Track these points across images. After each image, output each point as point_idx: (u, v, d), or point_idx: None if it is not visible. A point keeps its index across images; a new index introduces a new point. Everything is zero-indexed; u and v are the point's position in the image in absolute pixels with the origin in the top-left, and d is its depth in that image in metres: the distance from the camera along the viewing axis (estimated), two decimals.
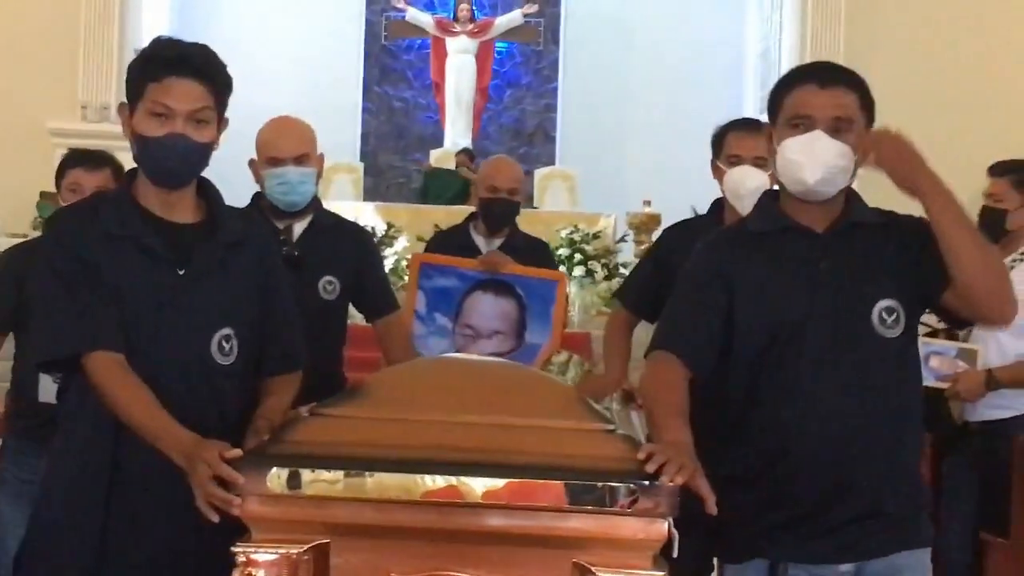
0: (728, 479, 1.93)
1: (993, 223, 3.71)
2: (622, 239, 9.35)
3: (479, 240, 3.88)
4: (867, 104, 2.17)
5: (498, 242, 3.87)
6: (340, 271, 3.12)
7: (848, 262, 2.15)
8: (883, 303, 2.13)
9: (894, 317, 2.13)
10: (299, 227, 3.11)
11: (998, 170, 3.82)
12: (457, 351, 3.53)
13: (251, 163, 3.12)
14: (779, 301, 2.14)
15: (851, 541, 2.11)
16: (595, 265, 8.62)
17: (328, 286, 3.10)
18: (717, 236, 2.35)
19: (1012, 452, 3.49)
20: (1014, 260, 3.70)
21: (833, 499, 2.10)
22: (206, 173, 2.23)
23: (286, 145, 3.05)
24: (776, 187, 2.32)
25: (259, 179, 3.10)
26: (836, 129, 2.12)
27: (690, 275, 2.26)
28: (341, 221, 3.33)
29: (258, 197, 3.14)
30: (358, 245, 3.26)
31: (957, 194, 2.05)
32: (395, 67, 11.80)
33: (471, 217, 3.99)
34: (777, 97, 2.21)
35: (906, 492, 2.15)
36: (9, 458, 3.30)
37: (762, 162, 3.05)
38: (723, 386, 2.17)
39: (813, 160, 2.10)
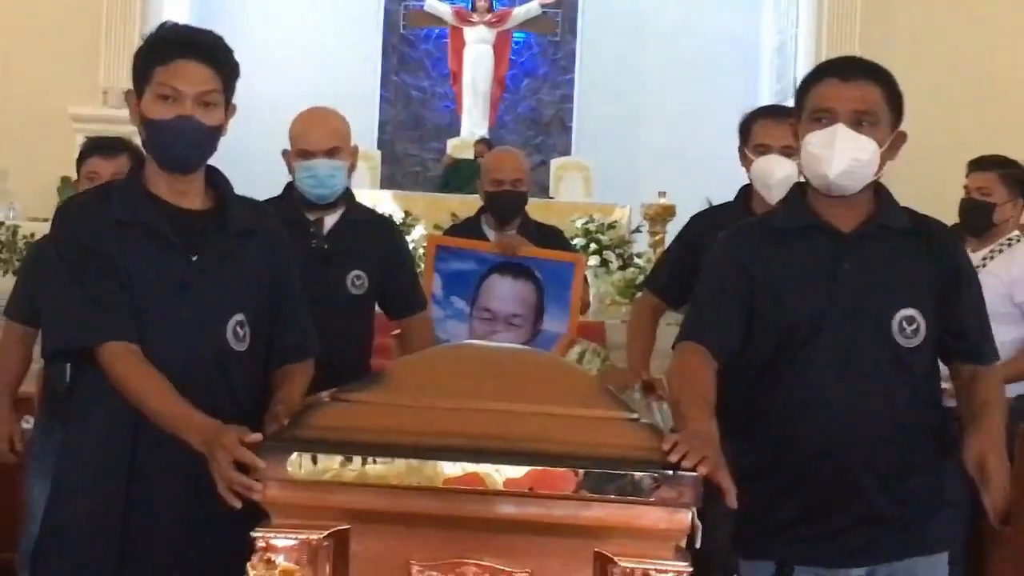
0: (737, 471, 1.92)
1: (980, 216, 3.84)
2: (636, 230, 9.34)
3: (490, 233, 3.86)
4: (893, 99, 2.15)
5: (511, 233, 3.86)
6: (369, 266, 3.10)
7: (872, 266, 2.13)
8: (904, 312, 2.11)
9: (914, 327, 2.11)
10: (330, 220, 3.10)
11: (983, 165, 3.93)
12: (474, 335, 3.52)
13: (284, 153, 3.11)
14: (797, 299, 2.13)
15: (860, 545, 2.10)
16: (610, 255, 8.61)
17: (357, 280, 3.08)
18: (740, 228, 2.33)
19: (1011, 442, 3.47)
20: (992, 251, 3.80)
21: (838, 501, 2.09)
22: (222, 163, 2.22)
23: (317, 138, 3.03)
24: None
25: (291, 169, 3.09)
26: (858, 122, 2.10)
27: (713, 267, 2.25)
28: (373, 216, 3.32)
29: (291, 187, 3.13)
30: (389, 241, 3.24)
31: None
32: (413, 56, 11.80)
33: (483, 210, 3.96)
34: (802, 92, 2.19)
35: (917, 497, 2.13)
36: (41, 435, 3.32)
37: (790, 151, 3.02)
38: (736, 378, 2.16)
39: (833, 153, 2.08)
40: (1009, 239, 3.86)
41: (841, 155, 2.08)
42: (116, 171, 3.18)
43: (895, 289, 2.13)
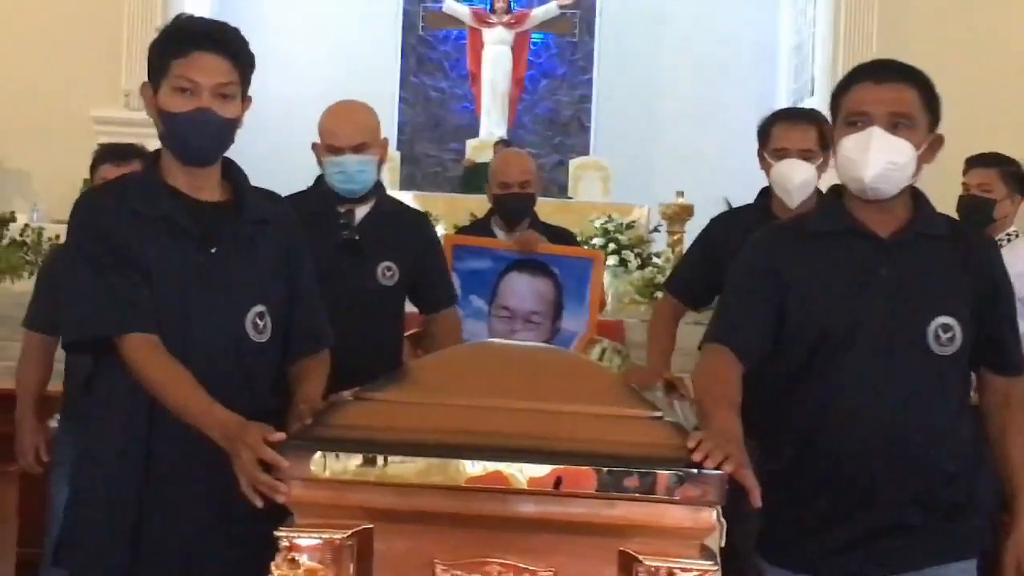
0: (765, 474, 1.90)
1: (981, 212, 3.92)
2: (655, 229, 9.34)
3: (500, 235, 3.84)
4: (930, 101, 2.12)
5: (528, 231, 3.84)
6: (400, 257, 3.09)
7: (910, 272, 2.11)
8: (940, 320, 2.09)
9: (949, 335, 2.09)
10: (360, 212, 3.10)
11: (983, 161, 4.02)
12: (493, 333, 3.52)
13: (314, 146, 3.11)
14: (832, 304, 2.11)
15: (889, 552, 2.08)
16: (628, 255, 8.61)
17: (387, 271, 3.08)
18: (773, 231, 2.31)
19: None
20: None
21: (868, 508, 2.07)
22: (240, 163, 2.23)
23: (345, 134, 3.03)
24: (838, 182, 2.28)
25: (321, 163, 3.10)
26: (894, 125, 2.07)
27: (744, 269, 2.22)
28: (405, 208, 3.31)
29: (321, 179, 3.13)
30: (421, 233, 3.23)
31: None
32: (432, 57, 11.82)
33: (492, 212, 3.95)
34: (836, 96, 2.16)
35: (948, 504, 2.11)
36: (61, 436, 3.34)
37: (809, 154, 3.01)
38: (767, 381, 2.15)
39: (868, 156, 2.05)
40: (1008, 234, 3.92)
41: (876, 158, 2.05)
42: None
43: (932, 296, 2.11)
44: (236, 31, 2.15)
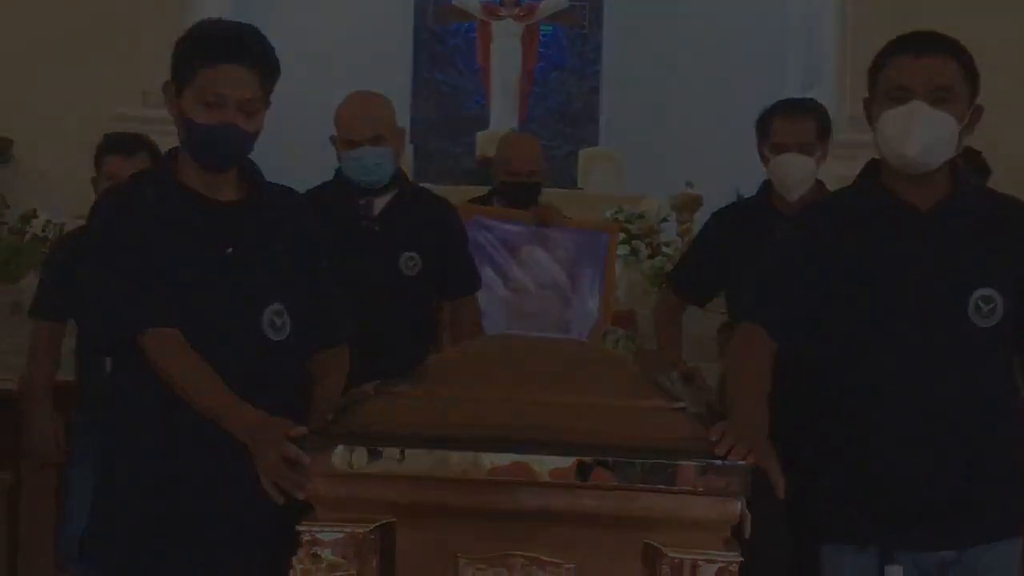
0: (812, 458, 1.88)
1: None
2: (664, 219, 9.32)
3: None
4: (970, 73, 2.09)
5: (544, 203, 3.84)
6: (422, 247, 3.08)
7: (950, 245, 2.09)
8: (981, 291, 2.07)
9: (991, 307, 2.07)
10: (380, 202, 3.09)
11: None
12: (507, 306, 3.51)
13: (332, 139, 3.11)
14: (872, 280, 2.09)
15: (948, 528, 2.07)
16: (639, 244, 8.60)
17: (410, 262, 3.07)
18: (811, 209, 2.30)
19: None
20: None
21: (918, 484, 2.06)
22: (257, 155, 2.21)
23: (360, 128, 3.03)
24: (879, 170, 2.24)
25: (339, 156, 3.09)
26: (935, 99, 2.05)
27: (781, 247, 2.21)
28: (428, 197, 3.28)
29: (341, 171, 3.12)
30: (443, 222, 3.21)
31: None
32: (442, 52, 11.80)
33: (493, 192, 3.93)
34: (875, 70, 2.13)
35: (1000, 477, 2.09)
36: (80, 433, 3.33)
37: (808, 147, 3.00)
38: (809, 362, 2.14)
39: (911, 132, 2.03)
40: None
41: (919, 132, 2.03)
42: (135, 171, 3.16)
43: (973, 268, 2.09)
44: (263, 40, 2.13)
